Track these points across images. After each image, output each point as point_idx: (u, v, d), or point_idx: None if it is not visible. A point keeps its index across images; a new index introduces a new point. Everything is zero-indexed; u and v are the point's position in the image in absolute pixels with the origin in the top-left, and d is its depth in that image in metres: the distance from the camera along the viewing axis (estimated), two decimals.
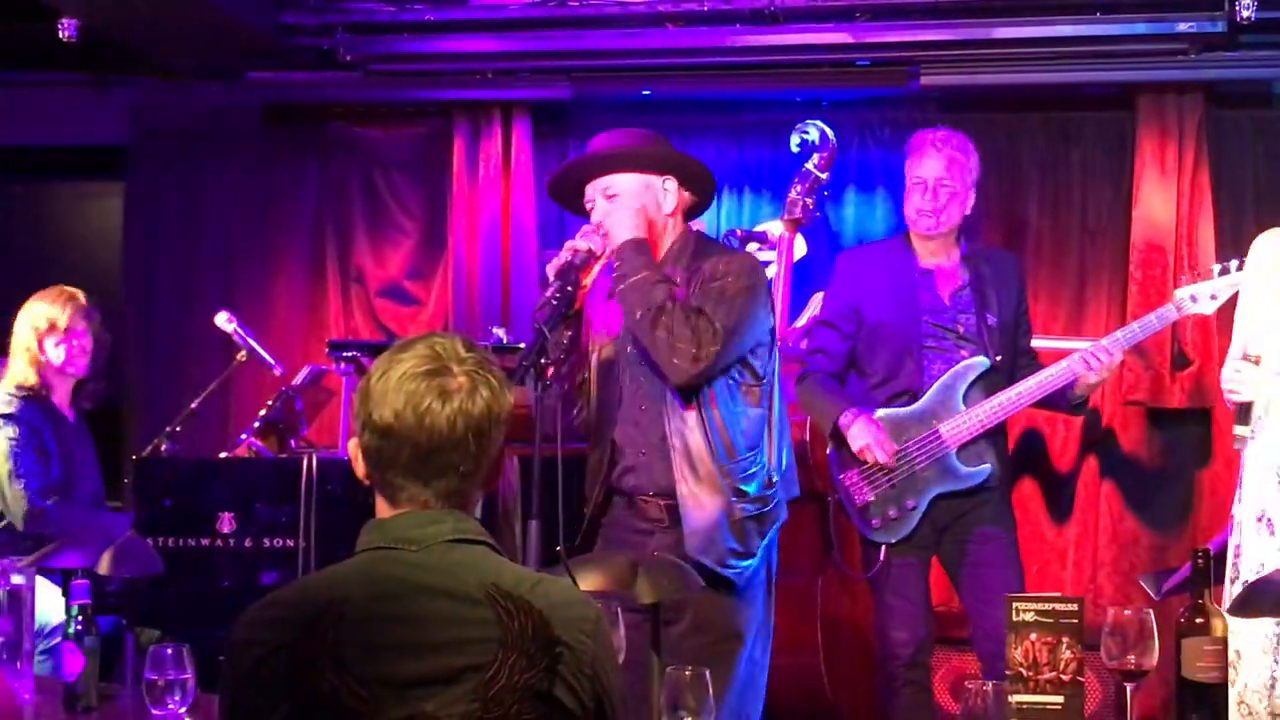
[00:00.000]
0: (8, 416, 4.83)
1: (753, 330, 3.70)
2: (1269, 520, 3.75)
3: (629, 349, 3.76)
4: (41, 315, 4.93)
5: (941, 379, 4.57)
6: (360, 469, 2.16)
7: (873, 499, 4.57)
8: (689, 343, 3.56)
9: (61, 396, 5.02)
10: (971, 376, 4.57)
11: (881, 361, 4.64)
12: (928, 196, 4.60)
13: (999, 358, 4.59)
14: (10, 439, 4.79)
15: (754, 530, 3.72)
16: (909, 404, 4.59)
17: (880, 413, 4.59)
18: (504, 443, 2.16)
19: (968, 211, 4.70)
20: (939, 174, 4.60)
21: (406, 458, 2.08)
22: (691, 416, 3.66)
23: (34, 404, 4.89)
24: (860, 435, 4.52)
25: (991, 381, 4.58)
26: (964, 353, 4.59)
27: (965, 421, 4.54)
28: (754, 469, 3.72)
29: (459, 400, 2.08)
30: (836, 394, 4.67)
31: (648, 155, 3.75)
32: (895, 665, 4.58)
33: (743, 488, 3.69)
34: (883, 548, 4.56)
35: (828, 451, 4.70)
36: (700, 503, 3.64)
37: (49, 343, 4.92)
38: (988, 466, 4.56)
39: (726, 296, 3.62)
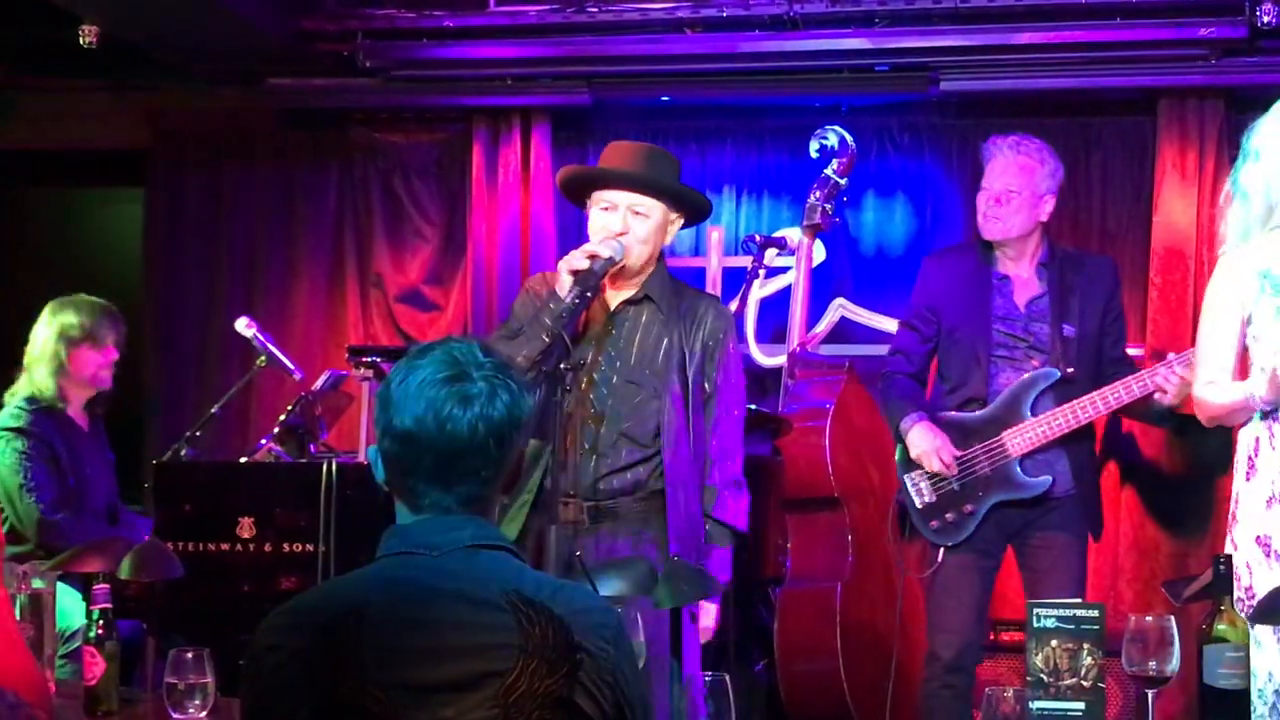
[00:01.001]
0: (17, 430, 4.79)
1: None
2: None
3: (597, 358, 3.77)
4: (74, 325, 4.87)
5: (1010, 387, 4.51)
6: (381, 475, 2.16)
7: (933, 501, 4.56)
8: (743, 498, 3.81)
9: (76, 407, 4.97)
10: (1040, 387, 4.49)
11: (954, 367, 4.62)
12: (990, 203, 4.55)
13: (1071, 369, 4.50)
14: (20, 452, 4.75)
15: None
16: (977, 410, 4.56)
17: (945, 416, 4.58)
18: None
19: (1043, 218, 4.59)
20: (1005, 181, 4.54)
21: (429, 464, 2.09)
22: (677, 423, 3.71)
23: (46, 416, 4.85)
24: (918, 441, 4.52)
25: (1065, 391, 4.50)
26: (1034, 362, 4.52)
27: (1030, 431, 4.48)
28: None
29: (479, 406, 2.08)
30: (906, 397, 4.66)
31: (683, 196, 3.84)
32: (936, 665, 4.57)
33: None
34: (940, 549, 4.55)
35: (897, 452, 4.68)
36: (685, 506, 3.71)
37: (80, 354, 4.88)
38: (1048, 478, 4.50)
39: (731, 408, 3.83)
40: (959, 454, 4.52)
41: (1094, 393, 4.46)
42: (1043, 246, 4.63)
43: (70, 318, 4.90)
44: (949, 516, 4.54)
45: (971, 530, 4.52)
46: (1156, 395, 4.43)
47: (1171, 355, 4.47)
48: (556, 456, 3.63)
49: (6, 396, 4.94)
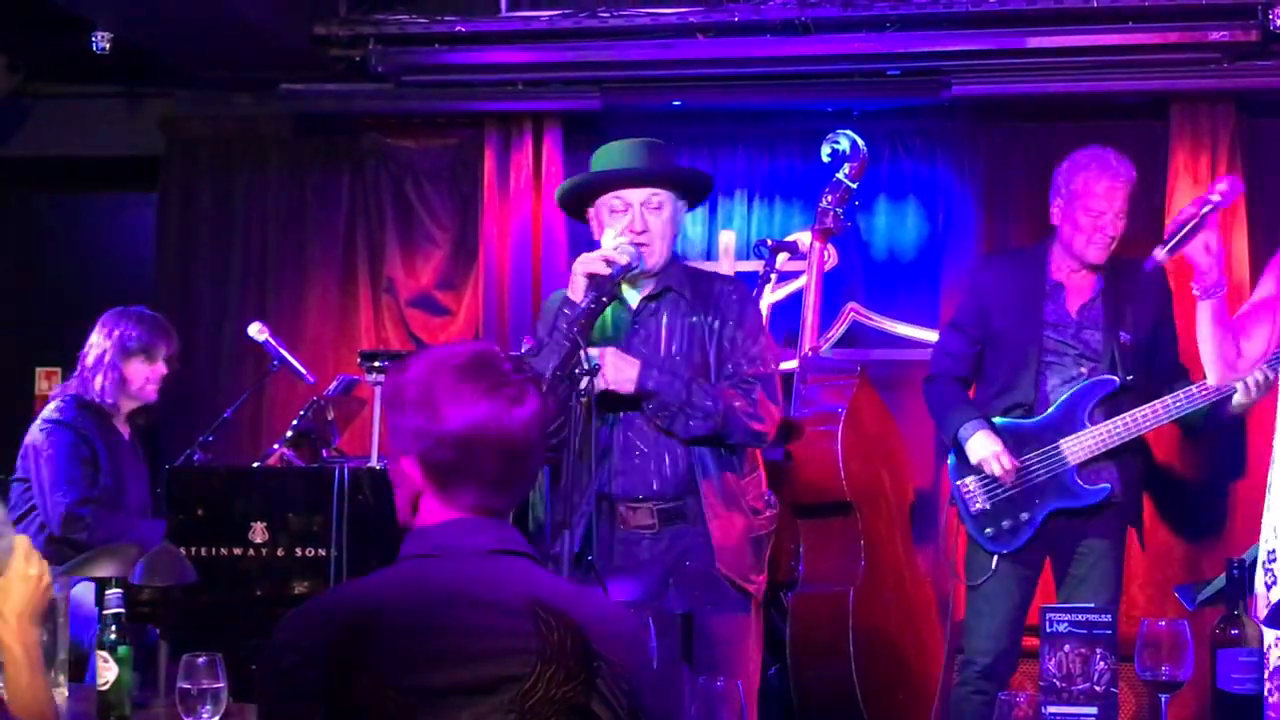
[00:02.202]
0: (56, 423, 4.84)
1: None
2: None
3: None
4: (135, 339, 4.92)
5: (1068, 394, 4.48)
6: (413, 482, 2.14)
7: (988, 508, 4.53)
8: (769, 417, 3.77)
9: (121, 416, 5.02)
10: (1100, 395, 4.48)
11: (1001, 371, 4.59)
12: (1101, 232, 4.47)
13: (1130, 377, 4.49)
14: (57, 444, 4.80)
15: (765, 547, 3.89)
16: (1024, 417, 4.53)
17: (1000, 422, 4.54)
18: None
19: None
20: (1119, 205, 4.48)
21: (490, 469, 2.08)
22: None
23: (91, 416, 4.89)
24: (980, 449, 4.47)
25: (1119, 399, 4.49)
26: (1083, 370, 4.50)
27: (1087, 439, 4.46)
28: (758, 487, 3.91)
29: (528, 407, 2.09)
30: (958, 402, 4.63)
31: (694, 181, 3.87)
32: (970, 671, 4.57)
33: (755, 506, 3.84)
34: (994, 557, 4.52)
35: (950, 459, 4.66)
36: (729, 522, 3.73)
37: (133, 366, 4.92)
38: (1106, 486, 4.50)
39: (768, 362, 3.84)
40: (1016, 464, 4.48)
41: (1155, 401, 4.43)
42: None
43: (132, 330, 4.95)
44: (1005, 524, 4.51)
45: (1027, 538, 4.50)
46: (1235, 399, 4.37)
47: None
48: (583, 461, 3.67)
49: (56, 391, 5.01)
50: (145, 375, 4.96)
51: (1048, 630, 2.81)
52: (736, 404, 3.72)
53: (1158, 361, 4.59)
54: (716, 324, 3.78)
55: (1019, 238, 5.80)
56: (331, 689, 1.99)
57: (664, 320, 3.80)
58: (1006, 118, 5.92)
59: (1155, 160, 5.79)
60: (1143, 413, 4.45)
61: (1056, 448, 4.48)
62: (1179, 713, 4.64)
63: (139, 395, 5.00)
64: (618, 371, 3.65)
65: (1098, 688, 2.79)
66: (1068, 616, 2.82)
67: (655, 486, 3.74)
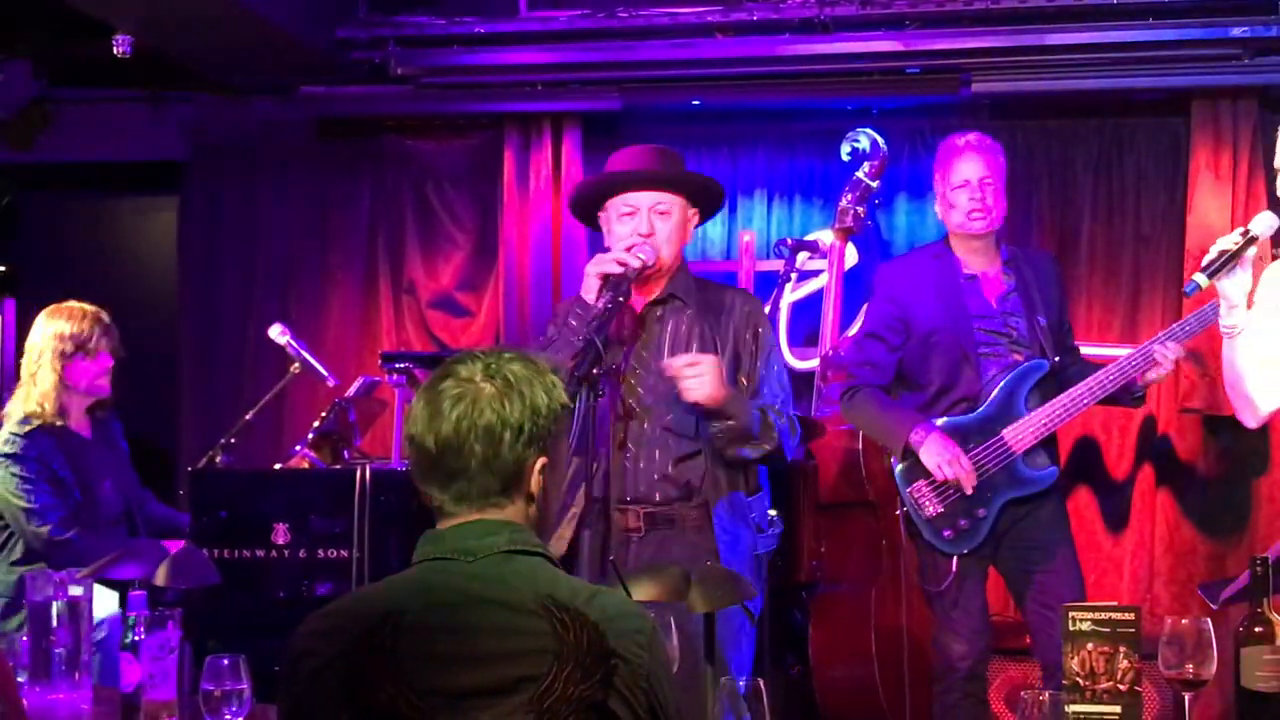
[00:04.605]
0: (12, 456, 4.68)
1: None
2: None
3: (630, 362, 3.80)
4: (67, 338, 4.74)
5: (1003, 384, 4.48)
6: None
7: (942, 510, 4.47)
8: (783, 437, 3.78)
9: (77, 416, 4.85)
10: (1034, 380, 4.48)
11: (936, 371, 4.55)
12: (976, 197, 4.52)
13: (1056, 359, 4.53)
14: (19, 478, 4.65)
15: (764, 565, 3.92)
16: (967, 411, 4.52)
17: (941, 421, 4.49)
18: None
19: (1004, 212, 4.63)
20: (982, 172, 4.52)
21: (425, 465, 2.16)
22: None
23: (42, 435, 4.72)
24: (935, 453, 4.40)
25: (1046, 383, 4.51)
26: (1018, 356, 4.51)
27: (1029, 425, 4.45)
28: (764, 505, 3.90)
29: (464, 406, 2.13)
30: (897, 408, 4.58)
31: (701, 186, 3.85)
32: (954, 678, 4.51)
33: (760, 524, 3.85)
34: (954, 559, 4.47)
35: (894, 465, 4.56)
36: (736, 538, 3.74)
37: (74, 366, 4.76)
38: (1054, 468, 4.50)
39: (784, 377, 3.86)
40: (971, 465, 4.43)
41: (1088, 379, 4.47)
42: (1002, 244, 4.65)
43: (59, 327, 4.76)
44: (962, 523, 4.46)
45: (985, 534, 4.47)
46: (1150, 373, 4.44)
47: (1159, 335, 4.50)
48: (600, 464, 3.65)
49: (5, 415, 4.81)
50: (91, 372, 4.78)
51: (1070, 629, 2.80)
52: (780, 433, 3.75)
53: (1062, 344, 4.63)
54: (729, 337, 3.76)
55: (1040, 235, 5.79)
56: (351, 693, 2.00)
57: (670, 326, 3.80)
58: (1026, 115, 5.91)
59: (1176, 157, 5.78)
60: (1078, 391, 4.46)
61: (1000, 438, 4.45)
62: (1203, 711, 4.62)
63: (91, 392, 4.82)
64: (716, 384, 3.60)
65: (1121, 686, 2.77)
66: (1090, 615, 2.81)
67: (643, 490, 3.73)
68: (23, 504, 4.64)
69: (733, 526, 3.73)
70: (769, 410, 3.73)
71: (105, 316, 4.84)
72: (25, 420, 4.73)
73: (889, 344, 4.61)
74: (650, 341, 3.79)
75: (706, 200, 3.89)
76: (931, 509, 4.47)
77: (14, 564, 4.71)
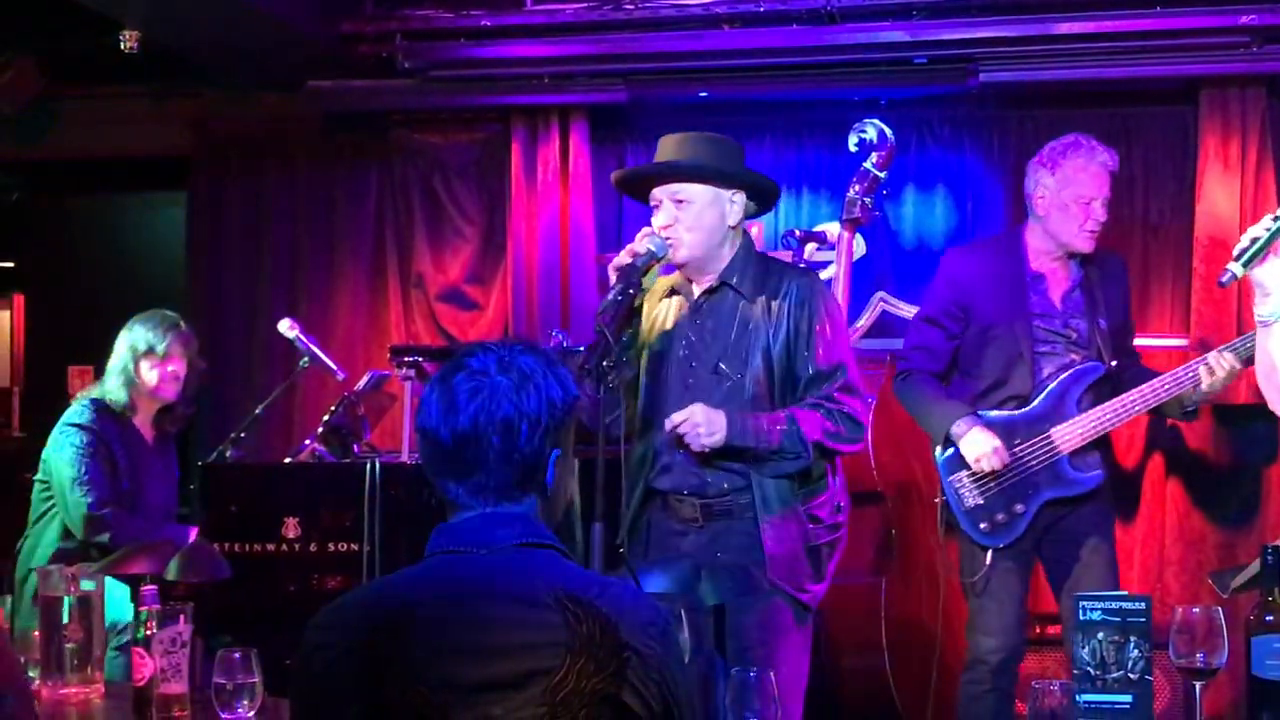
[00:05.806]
0: (78, 425, 4.83)
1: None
2: None
3: (682, 352, 3.78)
4: (141, 338, 4.92)
5: (1055, 383, 4.46)
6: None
7: (981, 502, 4.47)
8: (856, 421, 3.74)
9: (144, 418, 4.99)
10: (1088, 382, 4.46)
11: (991, 365, 4.52)
12: (1096, 217, 4.46)
13: (1114, 362, 4.49)
14: (77, 447, 4.80)
15: (826, 556, 3.81)
16: (1018, 408, 4.49)
17: (990, 415, 4.48)
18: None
19: None
20: (1108, 194, 4.48)
21: (439, 458, 2.15)
22: (760, 401, 3.71)
23: (109, 419, 4.89)
24: (978, 444, 4.40)
25: (1101, 386, 4.48)
26: (1074, 357, 4.48)
27: (1078, 427, 4.43)
28: (823, 495, 3.79)
29: (482, 399, 2.11)
30: (944, 398, 4.56)
31: (722, 173, 3.78)
32: (983, 670, 4.50)
33: (816, 514, 3.76)
34: (989, 552, 4.46)
35: (938, 454, 4.57)
36: (783, 529, 3.69)
37: (144, 366, 4.90)
38: (1099, 473, 4.48)
39: (843, 353, 3.78)
40: (1010, 459, 4.43)
41: (1142, 385, 4.43)
42: None
43: (139, 330, 4.94)
44: (999, 517, 4.46)
45: (1022, 530, 4.46)
46: (1203, 383, 4.36)
47: (1221, 348, 4.41)
48: (658, 458, 3.71)
49: (80, 395, 5.00)
50: (158, 374, 4.92)
51: (1081, 618, 2.79)
52: (820, 432, 3.68)
53: (1123, 347, 4.61)
54: (781, 322, 3.71)
55: None
56: (364, 686, 2.00)
57: (720, 315, 3.77)
58: (1035, 105, 5.90)
59: (1185, 146, 5.77)
60: (1131, 398, 4.44)
61: (1048, 437, 4.44)
62: (1214, 700, 4.64)
63: (156, 394, 4.96)
64: (710, 427, 3.60)
65: (1132, 675, 2.77)
66: (1101, 604, 2.80)
67: (696, 482, 3.73)
68: (72, 471, 4.77)
69: (779, 520, 3.70)
70: (820, 407, 3.69)
71: (183, 325, 5.04)
72: (97, 401, 4.91)
73: (947, 331, 4.60)
74: (702, 329, 3.78)
75: (742, 185, 3.80)
76: (971, 500, 4.48)
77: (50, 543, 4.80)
